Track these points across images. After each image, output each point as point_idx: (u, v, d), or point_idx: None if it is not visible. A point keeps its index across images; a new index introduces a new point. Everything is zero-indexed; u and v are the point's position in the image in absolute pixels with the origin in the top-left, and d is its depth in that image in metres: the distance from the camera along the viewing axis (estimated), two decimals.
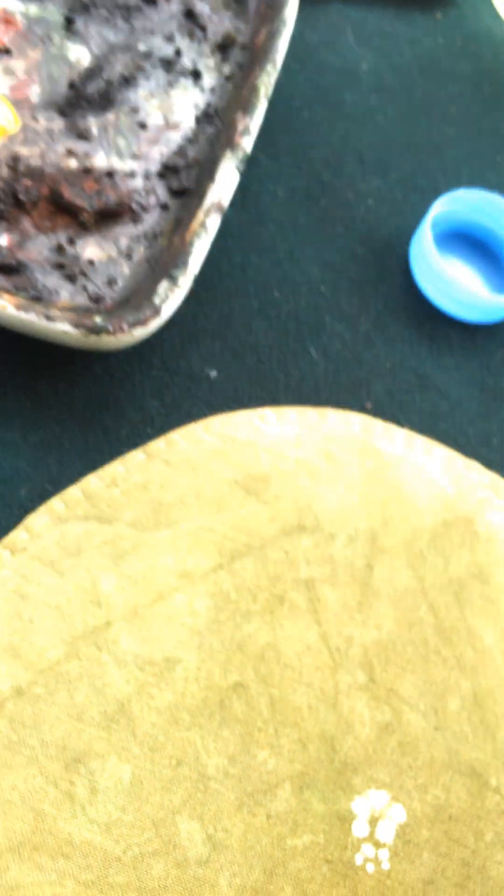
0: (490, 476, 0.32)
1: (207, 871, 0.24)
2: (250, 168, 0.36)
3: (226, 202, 0.31)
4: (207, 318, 0.33)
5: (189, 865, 0.24)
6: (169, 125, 0.34)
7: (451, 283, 0.34)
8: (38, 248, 0.31)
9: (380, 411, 0.33)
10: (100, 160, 0.33)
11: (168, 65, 0.36)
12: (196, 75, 0.36)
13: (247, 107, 0.33)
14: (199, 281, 0.34)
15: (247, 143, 0.32)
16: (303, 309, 0.34)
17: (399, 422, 0.33)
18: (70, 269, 0.31)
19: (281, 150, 0.37)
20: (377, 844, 0.25)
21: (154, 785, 0.25)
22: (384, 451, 0.32)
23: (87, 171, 0.33)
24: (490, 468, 0.33)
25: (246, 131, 0.32)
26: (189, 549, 0.28)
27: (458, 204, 0.36)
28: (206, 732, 0.26)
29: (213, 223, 0.30)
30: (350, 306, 0.34)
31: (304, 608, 0.28)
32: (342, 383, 0.33)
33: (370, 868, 0.25)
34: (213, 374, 0.32)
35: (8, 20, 0.34)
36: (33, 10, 0.35)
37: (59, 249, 0.31)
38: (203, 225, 0.30)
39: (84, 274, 0.31)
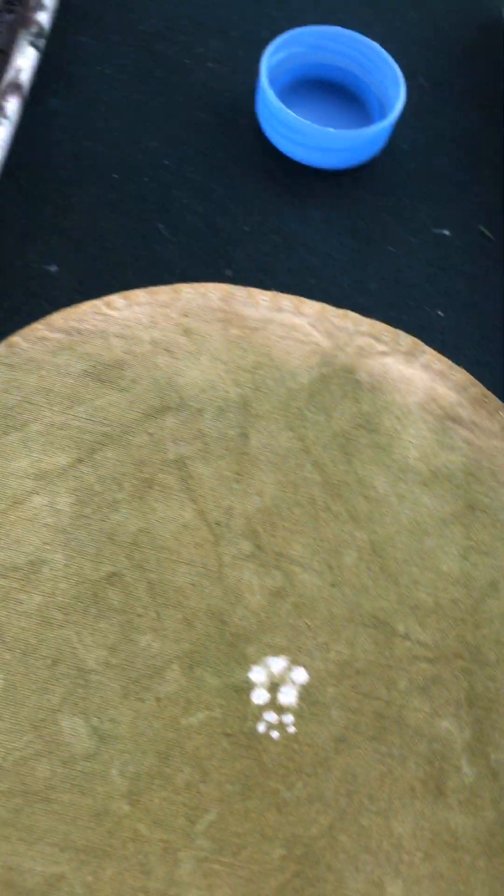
0: (368, 323, 0.30)
1: (96, 764, 0.23)
2: (74, 52, 0.34)
3: (24, 81, 0.28)
4: (41, 213, 0.31)
5: (76, 762, 0.23)
6: None
7: (297, 127, 0.31)
8: None
9: (242, 278, 0.31)
10: None
11: None
12: None
13: None
14: (27, 177, 0.31)
15: (41, 18, 0.30)
16: (147, 187, 0.32)
17: (265, 285, 0.31)
18: None
19: (106, 28, 0.35)
20: (280, 710, 0.24)
21: (29, 688, 0.23)
22: (248, 316, 0.29)
23: None
24: (368, 315, 0.30)
25: (39, 6, 0.30)
26: (43, 448, 0.26)
27: (300, 45, 0.33)
28: (81, 628, 0.24)
29: (13, 107, 0.28)
30: (199, 176, 0.32)
31: (176, 488, 0.26)
32: (198, 256, 0.31)
33: (275, 735, 0.24)
34: (54, 269, 0.30)
35: None
36: None
37: None
38: (1, 110, 0.28)
39: None
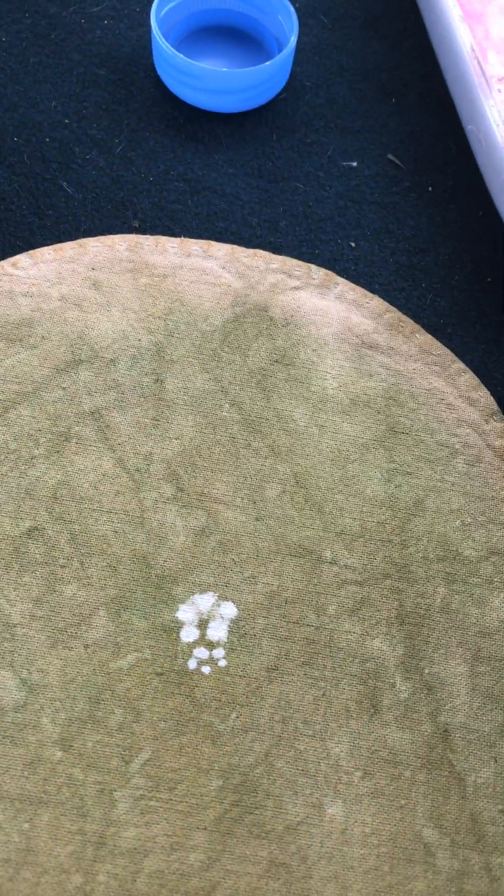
0: (279, 260, 0.30)
1: (27, 714, 0.23)
2: None
3: None
4: None
5: (5, 713, 0.23)
6: None
7: (192, 71, 0.31)
8: None
9: (150, 227, 0.30)
10: None
11: None
12: None
13: None
14: None
15: None
16: (48, 147, 0.31)
17: (173, 232, 0.30)
18: None
19: None
20: (210, 645, 0.24)
21: None
22: (157, 264, 0.29)
23: None
24: (280, 253, 0.30)
25: None
26: None
27: None
28: (4, 584, 0.24)
29: None
30: (100, 131, 0.32)
31: (93, 439, 0.26)
32: (104, 210, 0.31)
33: (206, 670, 0.24)
34: None
35: None
36: None
37: None
38: None
39: None
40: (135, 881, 0.22)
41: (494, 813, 0.23)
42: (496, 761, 0.23)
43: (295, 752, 0.23)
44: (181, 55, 0.31)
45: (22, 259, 0.29)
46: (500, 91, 0.31)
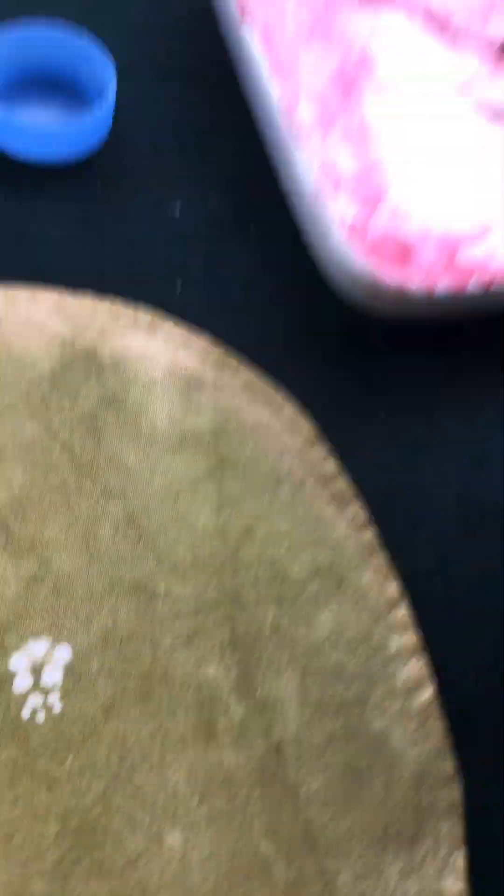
0: (107, 305, 0.31)
1: None
2: None
3: None
4: None
5: None
6: None
7: (13, 124, 0.32)
8: None
9: None
10: None
11: None
12: None
13: None
14: None
15: None
16: None
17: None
18: None
19: None
20: (45, 691, 0.25)
21: None
22: None
23: None
24: (107, 298, 0.31)
25: None
26: None
27: (12, 46, 0.34)
28: None
29: None
30: None
31: None
32: None
33: (41, 717, 0.24)
34: None
35: None
36: None
37: None
38: None
39: None
40: None
41: (326, 819, 0.24)
42: (326, 769, 0.25)
43: (133, 787, 0.24)
44: (2, 113, 0.32)
45: None
46: (309, 139, 0.33)
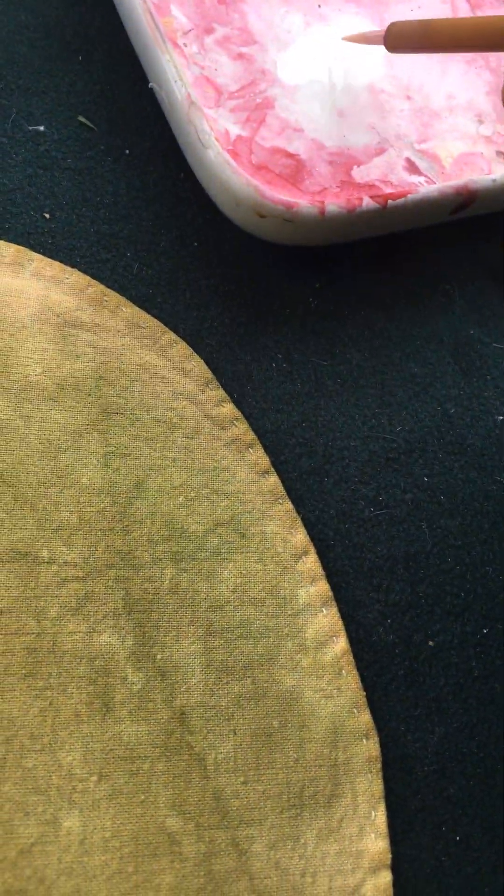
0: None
1: None
2: None
3: None
4: None
5: None
6: None
7: None
8: None
9: None
10: None
11: None
12: None
13: None
14: None
15: None
16: None
17: None
18: None
19: None
20: None
21: None
22: None
23: None
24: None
25: None
26: None
27: None
28: None
29: None
30: None
31: None
32: None
33: None
34: None
35: None
36: None
37: None
38: None
39: None
40: None
41: (237, 786, 0.23)
42: (235, 734, 0.24)
43: (23, 772, 0.22)
44: None
45: None
46: (185, 45, 0.30)
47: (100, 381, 0.27)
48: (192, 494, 0.26)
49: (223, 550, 0.26)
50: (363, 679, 0.26)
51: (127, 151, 0.31)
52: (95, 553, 0.25)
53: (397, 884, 0.25)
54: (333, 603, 0.26)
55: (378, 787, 0.25)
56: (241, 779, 0.23)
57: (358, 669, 0.26)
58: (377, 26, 0.33)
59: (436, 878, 0.26)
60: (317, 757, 0.24)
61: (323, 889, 0.23)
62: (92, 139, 0.31)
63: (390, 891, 0.24)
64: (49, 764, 0.22)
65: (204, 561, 0.26)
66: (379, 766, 0.25)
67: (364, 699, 0.25)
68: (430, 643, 0.28)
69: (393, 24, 0.27)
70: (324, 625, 0.26)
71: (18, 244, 0.28)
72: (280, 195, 0.27)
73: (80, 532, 0.25)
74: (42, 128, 0.31)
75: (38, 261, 0.28)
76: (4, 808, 0.22)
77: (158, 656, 0.24)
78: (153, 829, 0.22)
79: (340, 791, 0.24)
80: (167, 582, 0.25)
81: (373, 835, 0.24)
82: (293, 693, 0.25)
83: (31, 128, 0.31)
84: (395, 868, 0.25)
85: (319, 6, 0.33)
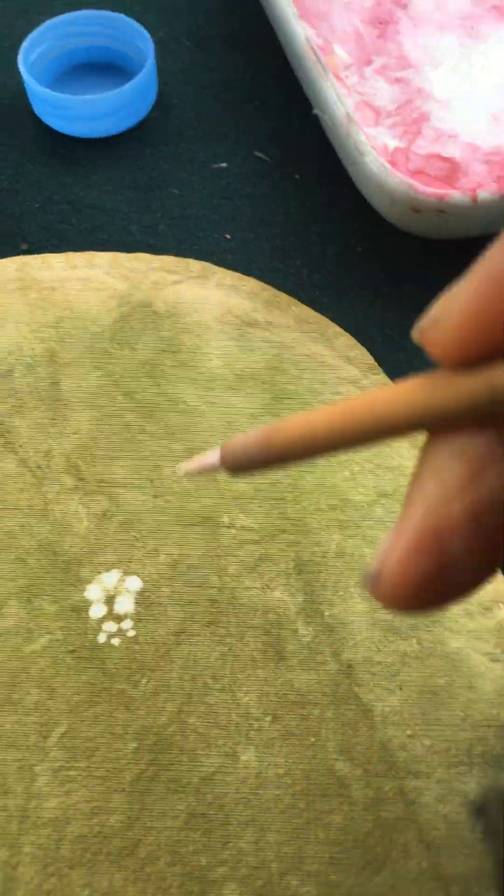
0: (159, 259, 0.32)
1: None
2: None
3: None
4: None
5: None
6: None
7: (61, 103, 0.34)
8: None
9: (39, 248, 0.33)
10: None
11: None
12: None
13: None
14: None
15: None
16: None
17: (59, 249, 0.33)
18: None
19: None
20: (118, 619, 0.26)
21: None
22: (45, 279, 0.32)
23: None
24: (160, 254, 0.33)
25: None
26: None
27: (54, 35, 0.36)
28: None
29: None
30: None
31: None
32: None
33: (116, 641, 0.25)
34: None
35: None
36: None
37: None
38: None
39: None
40: (59, 849, 0.23)
41: (403, 739, 0.24)
42: (401, 689, 0.24)
43: (206, 707, 0.24)
44: (49, 90, 0.34)
45: None
46: (346, 77, 0.34)
47: (273, 371, 0.30)
48: (357, 469, 0.28)
49: (387, 519, 0.27)
50: None
51: (297, 176, 0.35)
52: (269, 519, 0.27)
53: None
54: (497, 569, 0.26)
55: None
56: (408, 732, 0.24)
57: None
58: None
59: None
60: (485, 717, 0.24)
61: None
62: (266, 169, 0.35)
63: None
64: (228, 702, 0.25)
65: (368, 528, 0.27)
66: None
67: None
68: None
69: (226, 443, 0.16)
70: (488, 590, 0.26)
71: (204, 261, 0.33)
72: (432, 189, 0.29)
73: (256, 501, 0.28)
74: (224, 164, 0.35)
75: (221, 273, 0.32)
76: (189, 739, 0.24)
77: (326, 613, 0.26)
78: (323, 771, 0.24)
79: None
80: (334, 546, 0.27)
81: None
82: (459, 654, 0.25)
83: (214, 166, 0.35)
84: None
85: (472, 27, 0.35)
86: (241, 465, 0.16)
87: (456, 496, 0.14)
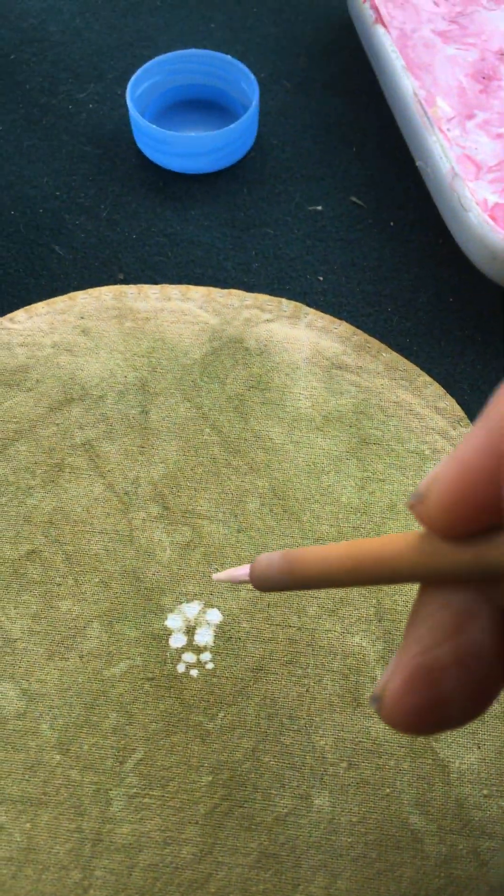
0: (252, 297, 0.33)
1: (27, 721, 0.25)
2: None
3: None
4: None
5: (7, 722, 0.25)
6: None
7: (165, 139, 0.35)
8: None
9: (134, 278, 0.34)
10: None
11: None
12: None
13: None
14: None
15: None
16: (41, 217, 0.36)
17: (154, 281, 0.34)
18: None
19: None
20: (198, 650, 0.26)
21: None
22: (140, 309, 0.33)
23: None
24: (253, 291, 0.33)
25: None
26: None
27: (160, 71, 0.38)
28: (5, 603, 0.27)
29: None
30: (87, 199, 0.36)
31: (85, 468, 0.29)
32: (92, 267, 0.34)
33: (194, 673, 0.26)
34: None
35: None
36: None
37: None
38: None
39: None
40: (130, 875, 0.23)
41: (479, 798, 0.24)
42: (479, 748, 0.24)
43: (281, 747, 0.25)
44: (154, 126, 0.36)
45: (19, 314, 0.33)
46: (448, 130, 0.34)
47: (360, 415, 0.31)
48: None
49: None
50: None
51: (392, 224, 0.36)
52: None
53: None
54: None
55: None
56: (485, 791, 0.24)
57: None
58: None
59: None
60: None
61: None
62: (361, 215, 0.36)
63: None
64: (304, 744, 0.25)
65: None
66: None
67: None
68: None
69: (255, 564, 0.20)
70: None
71: (297, 301, 0.33)
72: None
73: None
74: (320, 207, 0.36)
75: (312, 314, 0.33)
76: (264, 777, 0.24)
77: None
78: (397, 823, 0.24)
79: None
80: (415, 595, 0.27)
81: None
82: None
83: (310, 208, 0.36)
84: None
85: None
86: (266, 586, 0.19)
87: (444, 642, 0.15)
